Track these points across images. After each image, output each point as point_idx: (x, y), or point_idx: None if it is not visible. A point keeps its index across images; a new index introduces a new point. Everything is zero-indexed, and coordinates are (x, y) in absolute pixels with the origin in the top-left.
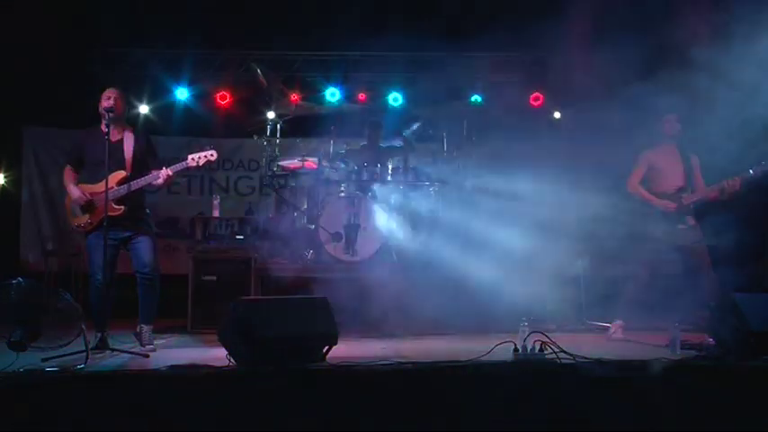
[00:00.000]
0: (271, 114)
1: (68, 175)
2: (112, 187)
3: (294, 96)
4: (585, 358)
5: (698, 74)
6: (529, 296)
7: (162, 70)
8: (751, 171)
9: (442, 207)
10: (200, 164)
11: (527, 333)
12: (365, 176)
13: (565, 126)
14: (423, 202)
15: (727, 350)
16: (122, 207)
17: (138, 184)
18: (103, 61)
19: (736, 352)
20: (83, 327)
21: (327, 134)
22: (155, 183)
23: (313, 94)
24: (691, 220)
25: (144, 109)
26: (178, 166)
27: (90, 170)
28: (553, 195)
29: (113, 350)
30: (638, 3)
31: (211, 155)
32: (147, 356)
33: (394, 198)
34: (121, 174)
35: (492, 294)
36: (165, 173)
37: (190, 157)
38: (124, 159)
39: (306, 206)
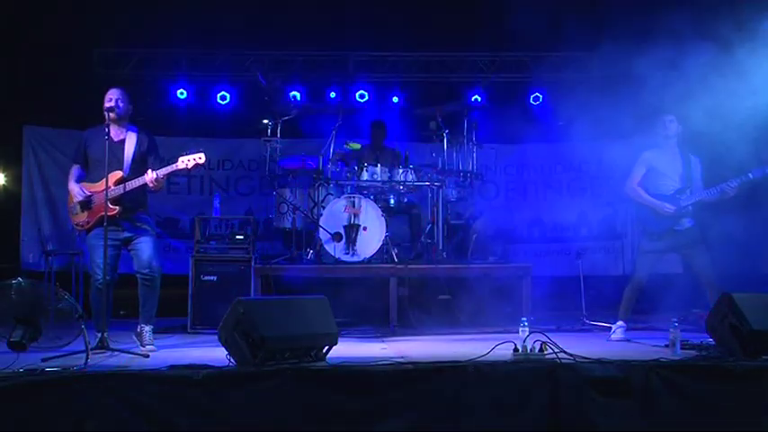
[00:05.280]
0: (271, 114)
1: (73, 172)
2: (110, 187)
3: (294, 96)
4: (585, 358)
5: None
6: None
7: (162, 70)
8: (750, 175)
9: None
10: (189, 167)
11: (527, 333)
12: (366, 176)
13: None
14: (423, 201)
15: (728, 350)
16: (117, 207)
17: (132, 184)
18: (103, 61)
19: (736, 352)
20: (83, 327)
21: (327, 134)
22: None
23: (313, 94)
24: (689, 222)
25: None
26: (167, 169)
27: (91, 169)
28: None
29: (113, 350)
30: None
31: (200, 158)
32: (147, 356)
33: (394, 198)
34: (119, 174)
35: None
36: (151, 176)
37: (180, 159)
38: (124, 159)
39: (306, 206)
